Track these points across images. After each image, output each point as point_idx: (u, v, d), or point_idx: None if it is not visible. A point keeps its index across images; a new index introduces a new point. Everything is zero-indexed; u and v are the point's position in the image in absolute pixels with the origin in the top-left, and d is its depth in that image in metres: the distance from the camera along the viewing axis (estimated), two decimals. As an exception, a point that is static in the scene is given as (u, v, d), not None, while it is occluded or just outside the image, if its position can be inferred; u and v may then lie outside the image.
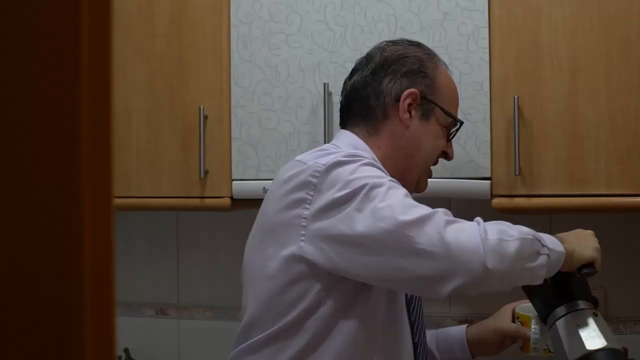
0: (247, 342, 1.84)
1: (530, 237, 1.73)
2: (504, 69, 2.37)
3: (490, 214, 2.44)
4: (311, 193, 1.73)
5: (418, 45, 2.06)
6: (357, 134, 1.96)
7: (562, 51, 2.33)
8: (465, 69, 2.38)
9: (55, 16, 0.50)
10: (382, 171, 1.80)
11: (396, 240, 1.66)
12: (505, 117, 2.36)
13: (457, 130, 2.05)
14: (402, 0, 2.43)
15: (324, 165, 1.75)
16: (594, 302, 2.02)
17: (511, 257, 1.67)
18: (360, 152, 1.83)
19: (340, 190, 1.71)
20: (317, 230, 1.72)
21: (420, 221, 1.66)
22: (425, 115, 1.96)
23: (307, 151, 2.45)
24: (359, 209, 1.68)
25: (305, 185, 1.75)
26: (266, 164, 2.53)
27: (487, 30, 2.38)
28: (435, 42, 2.39)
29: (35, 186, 0.49)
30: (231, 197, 2.57)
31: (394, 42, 2.06)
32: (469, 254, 1.64)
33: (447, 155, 2.05)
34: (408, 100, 1.94)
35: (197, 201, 2.62)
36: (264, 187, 2.50)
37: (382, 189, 1.69)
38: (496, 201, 2.37)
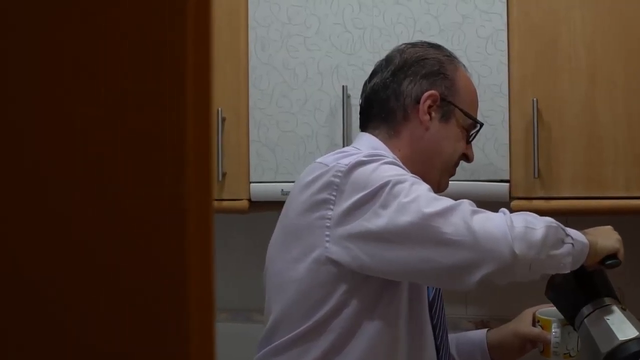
0: (272, 344, 1.84)
1: (555, 225, 1.76)
2: (522, 72, 2.37)
3: (509, 216, 2.45)
4: (334, 194, 1.74)
5: (437, 47, 2.06)
6: (377, 136, 1.97)
7: (580, 53, 2.33)
8: (484, 72, 2.39)
9: (161, 34, 0.51)
10: (403, 169, 1.80)
11: (422, 231, 1.67)
12: (524, 120, 2.36)
13: (477, 132, 2.05)
14: (420, 2, 2.43)
15: (345, 165, 1.75)
16: (617, 298, 2.03)
17: (538, 244, 1.69)
18: (381, 152, 1.83)
19: (363, 189, 1.71)
20: (343, 230, 1.73)
21: (446, 212, 1.67)
22: (445, 117, 1.96)
23: (326, 153, 2.46)
24: (383, 206, 1.69)
25: (327, 186, 1.75)
26: (284, 166, 2.53)
27: (505, 32, 2.38)
28: (454, 45, 2.40)
29: (143, 193, 0.50)
30: (249, 200, 2.58)
31: (413, 45, 2.06)
32: (496, 241, 1.65)
33: (467, 157, 2.05)
34: (428, 102, 1.95)
35: (215, 203, 2.62)
36: (282, 190, 2.50)
37: (405, 185, 1.70)
38: (515, 203, 2.37)
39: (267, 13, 2.56)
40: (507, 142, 2.38)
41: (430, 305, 1.93)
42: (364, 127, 2.03)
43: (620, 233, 2.69)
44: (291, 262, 1.81)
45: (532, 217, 1.75)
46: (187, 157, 0.50)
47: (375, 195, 1.70)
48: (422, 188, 1.72)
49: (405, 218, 1.67)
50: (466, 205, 1.70)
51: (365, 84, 2.07)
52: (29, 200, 0.53)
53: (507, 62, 2.38)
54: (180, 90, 0.50)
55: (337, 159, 1.81)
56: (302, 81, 2.52)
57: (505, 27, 2.38)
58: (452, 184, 2.37)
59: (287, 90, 2.54)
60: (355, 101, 2.46)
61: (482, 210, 1.72)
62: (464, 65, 2.09)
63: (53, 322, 0.53)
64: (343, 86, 2.45)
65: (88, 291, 0.51)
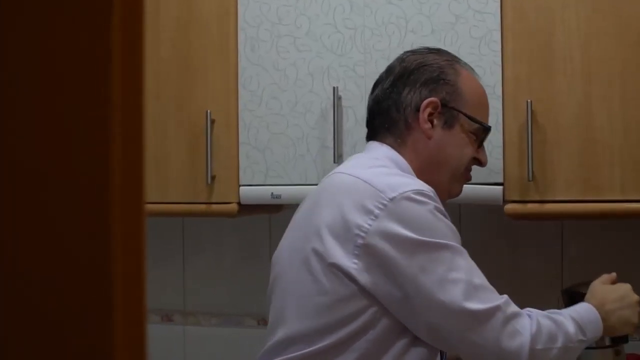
0: (283, 357, 1.79)
1: (573, 344, 1.83)
2: (516, 73, 2.33)
3: (503, 219, 2.41)
4: (377, 212, 1.72)
5: (438, 51, 2.03)
6: (389, 146, 1.94)
7: (576, 54, 2.29)
8: (478, 73, 2.34)
9: (86, 27, 0.47)
10: (445, 216, 1.79)
11: (454, 320, 1.73)
12: (518, 122, 2.32)
13: (486, 135, 2.02)
14: (412, 2, 2.39)
15: (396, 192, 1.74)
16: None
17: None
18: (426, 190, 1.77)
19: (410, 229, 1.71)
20: (375, 251, 1.71)
21: (482, 316, 1.73)
22: (448, 124, 1.93)
23: (316, 156, 2.43)
24: (424, 268, 1.71)
25: (374, 202, 1.73)
26: (274, 169, 2.49)
27: (499, 33, 2.34)
28: (447, 45, 2.36)
29: (68, 191, 0.47)
30: (238, 203, 2.54)
31: (413, 52, 2.03)
32: (513, 358, 1.76)
33: (479, 161, 2.02)
34: (428, 110, 1.92)
35: (204, 207, 2.58)
36: (272, 193, 2.47)
37: (448, 254, 1.74)
38: (509, 207, 2.34)
39: (257, 13, 2.52)
40: (501, 144, 2.34)
41: None
42: (372, 138, 2.00)
43: (615, 237, 2.66)
44: (312, 274, 1.76)
45: (558, 327, 1.83)
46: (112, 158, 0.46)
47: (420, 247, 1.72)
48: (465, 264, 1.78)
49: (441, 297, 1.71)
50: (501, 311, 1.76)
51: (368, 97, 2.05)
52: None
53: (500, 63, 2.34)
54: (105, 93, 0.46)
55: (377, 174, 1.80)
56: (293, 82, 2.48)
57: (499, 28, 2.35)
58: (445, 187, 2.33)
59: (277, 91, 2.50)
60: (347, 102, 2.43)
61: (514, 313, 1.79)
62: (469, 67, 2.06)
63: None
64: (334, 87, 2.41)
65: (7, 296, 0.48)
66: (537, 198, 2.32)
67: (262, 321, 2.95)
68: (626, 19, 2.26)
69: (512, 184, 2.34)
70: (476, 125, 1.97)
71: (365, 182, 1.77)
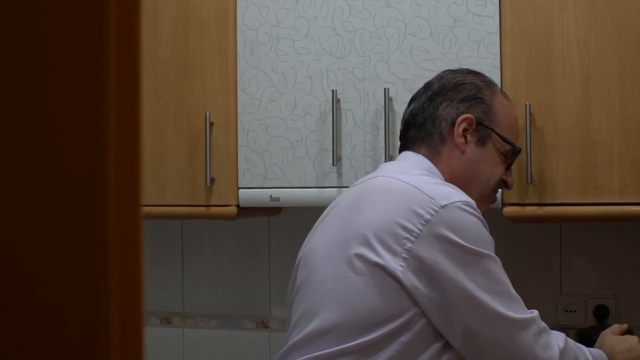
0: (315, 354, 1.78)
1: None
2: (515, 75, 2.33)
3: (502, 222, 2.41)
4: (427, 217, 1.75)
5: (476, 73, 2.08)
6: (423, 155, 1.98)
7: (574, 57, 2.30)
8: (476, 75, 2.34)
9: (82, 24, 0.47)
10: (487, 229, 1.84)
11: (494, 325, 1.77)
12: (516, 124, 2.32)
13: (516, 157, 2.06)
14: (411, 5, 2.40)
15: (448, 200, 1.77)
16: None
17: None
18: (472, 202, 1.81)
19: (460, 237, 1.75)
20: (423, 255, 1.74)
21: (520, 324, 1.78)
22: (481, 141, 1.98)
23: (315, 159, 2.42)
24: (470, 274, 1.76)
25: (425, 208, 1.76)
26: (273, 171, 2.50)
27: (497, 36, 2.35)
28: (445, 48, 2.36)
29: (62, 193, 0.47)
30: (237, 206, 2.54)
31: (452, 71, 2.08)
32: None
33: (506, 183, 2.06)
34: (463, 125, 1.96)
35: (202, 209, 2.58)
36: (270, 195, 2.47)
37: (491, 264, 1.80)
38: (507, 209, 2.34)
39: (255, 15, 2.52)
40: (500, 147, 2.33)
41: None
42: (405, 148, 2.03)
43: (614, 239, 2.66)
44: (355, 273, 1.77)
45: (579, 351, 1.92)
46: (108, 161, 0.46)
47: (470, 257, 1.77)
48: (503, 278, 1.83)
49: (486, 303, 1.76)
50: (536, 324, 1.82)
51: (405, 111, 2.08)
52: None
53: (499, 66, 2.34)
54: (102, 92, 0.46)
55: (426, 182, 1.83)
56: (292, 85, 2.48)
57: (497, 30, 2.35)
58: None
59: (276, 94, 2.50)
60: (345, 105, 2.43)
61: (544, 330, 1.84)
62: (504, 93, 2.12)
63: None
64: (333, 90, 2.41)
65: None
66: (536, 201, 2.32)
67: (261, 323, 2.95)
68: (624, 22, 2.26)
69: (510, 187, 2.33)
70: (508, 147, 2.01)
71: (415, 187, 1.81)
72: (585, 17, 2.29)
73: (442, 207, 1.76)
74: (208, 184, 2.53)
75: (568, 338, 1.90)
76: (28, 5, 0.48)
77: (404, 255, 1.74)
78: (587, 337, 2.44)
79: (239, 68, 2.54)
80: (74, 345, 0.46)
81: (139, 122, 0.47)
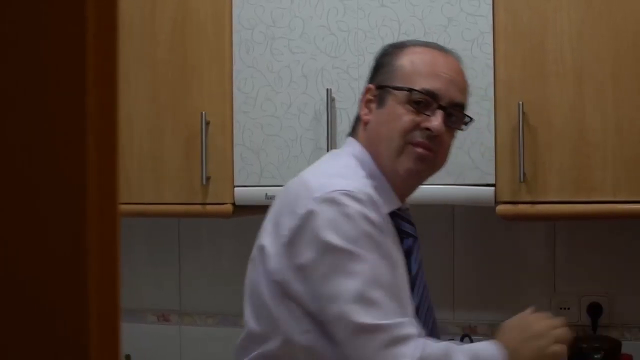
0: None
1: None
2: (508, 75, 2.35)
3: (495, 220, 2.43)
4: (299, 212, 1.72)
5: (397, 45, 1.96)
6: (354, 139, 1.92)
7: (567, 56, 2.31)
8: (470, 75, 2.33)
9: (61, 24, 0.49)
10: (369, 221, 1.71)
11: (336, 326, 1.67)
12: (510, 123, 2.34)
13: (420, 96, 1.84)
14: (405, 5, 2.41)
15: (320, 192, 1.72)
16: None
17: None
18: (354, 192, 1.71)
19: (321, 230, 1.68)
20: (294, 249, 1.73)
21: (360, 329, 1.63)
22: (381, 103, 1.87)
23: (310, 157, 2.44)
24: (317, 268, 1.68)
25: (303, 202, 1.73)
26: (269, 170, 2.51)
27: (491, 35, 2.36)
28: (439, 48, 2.38)
29: (42, 191, 0.48)
30: (233, 204, 2.56)
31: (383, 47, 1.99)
32: None
33: (427, 128, 1.83)
34: (367, 97, 1.89)
35: (199, 207, 2.60)
36: (266, 194, 2.48)
37: (347, 259, 1.66)
38: (500, 208, 2.35)
39: (251, 15, 2.54)
40: (493, 145, 2.35)
41: (412, 283, 1.84)
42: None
43: (607, 238, 2.68)
44: (258, 275, 1.83)
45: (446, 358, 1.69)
46: (88, 156, 0.48)
47: (332, 252, 1.68)
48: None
49: (330, 300, 1.67)
50: (388, 334, 1.64)
51: None
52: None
53: (492, 65, 2.36)
54: (80, 93, 0.48)
55: (317, 179, 1.79)
56: (287, 84, 2.50)
57: (491, 30, 2.36)
58: (437, 189, 2.36)
59: (271, 93, 2.52)
60: (340, 104, 2.45)
61: (403, 338, 1.65)
62: (425, 44, 1.96)
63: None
64: (327, 89, 2.43)
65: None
66: (529, 199, 2.34)
67: (258, 321, 2.96)
68: (618, 21, 2.28)
69: (504, 185, 2.35)
70: (406, 93, 1.84)
71: (304, 182, 1.79)
72: (579, 16, 2.31)
73: (314, 199, 1.70)
74: (204, 183, 2.55)
75: (439, 346, 1.70)
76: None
77: (282, 251, 1.73)
78: (576, 347, 2.47)
79: (234, 67, 2.56)
80: (56, 337, 0.48)
81: (116, 124, 0.49)
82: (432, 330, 1.90)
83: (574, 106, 2.31)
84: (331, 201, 1.69)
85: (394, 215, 1.83)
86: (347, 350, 1.66)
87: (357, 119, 1.93)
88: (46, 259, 0.49)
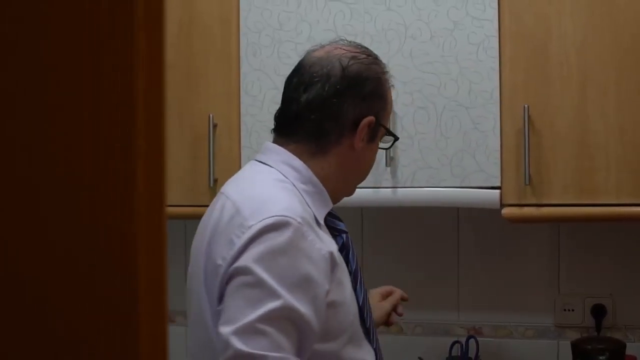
0: None
1: None
2: (513, 78, 2.37)
3: (500, 223, 2.45)
4: (235, 240, 1.69)
5: (377, 60, 1.92)
6: (295, 152, 1.84)
7: (572, 60, 2.33)
8: (475, 78, 2.38)
9: (112, 35, 0.51)
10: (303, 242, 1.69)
11: (219, 342, 1.63)
12: (515, 126, 2.36)
13: (393, 143, 1.98)
14: (411, 9, 2.43)
15: (255, 219, 1.68)
16: None
17: None
18: (285, 218, 1.68)
19: (251, 261, 1.65)
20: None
21: (238, 354, 1.59)
22: (372, 138, 1.87)
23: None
24: (234, 293, 1.66)
25: (235, 232, 1.70)
26: (275, 172, 2.53)
27: (497, 39, 2.38)
28: (445, 51, 2.40)
29: (95, 197, 0.50)
30: (240, 206, 2.57)
31: (354, 57, 1.87)
32: None
33: None
34: (365, 129, 1.83)
35: (206, 210, 2.61)
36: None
37: (258, 293, 1.63)
38: (506, 210, 2.37)
39: (258, 19, 2.56)
40: (498, 148, 2.37)
41: (355, 278, 1.84)
42: (282, 137, 1.89)
43: (611, 240, 2.70)
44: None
45: None
46: (137, 163, 0.50)
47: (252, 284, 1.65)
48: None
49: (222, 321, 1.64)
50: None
51: (294, 88, 1.89)
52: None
53: (498, 69, 2.38)
54: (130, 100, 0.50)
55: (253, 209, 1.72)
56: (294, 87, 2.51)
57: (496, 34, 2.38)
58: (443, 191, 2.38)
59: (278, 96, 2.51)
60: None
61: None
62: (387, 72, 1.95)
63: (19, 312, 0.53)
64: (334, 92, 2.44)
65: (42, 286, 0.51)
66: (534, 202, 2.36)
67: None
68: (621, 26, 2.30)
69: (509, 188, 2.37)
70: (390, 138, 1.95)
71: (237, 209, 1.75)
72: (582, 21, 2.33)
73: (249, 227, 1.67)
74: (211, 185, 2.57)
75: None
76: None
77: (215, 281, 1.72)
78: (581, 348, 2.50)
79: (241, 70, 2.57)
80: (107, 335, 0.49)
81: (163, 130, 0.51)
82: (371, 325, 1.89)
83: (577, 109, 2.33)
84: (266, 229, 1.66)
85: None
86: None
87: (324, 132, 1.84)
88: (97, 259, 0.50)
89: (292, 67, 2.52)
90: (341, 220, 1.89)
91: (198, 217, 2.79)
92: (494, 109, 2.37)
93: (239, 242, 1.67)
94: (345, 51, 1.87)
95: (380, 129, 1.88)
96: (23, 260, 0.55)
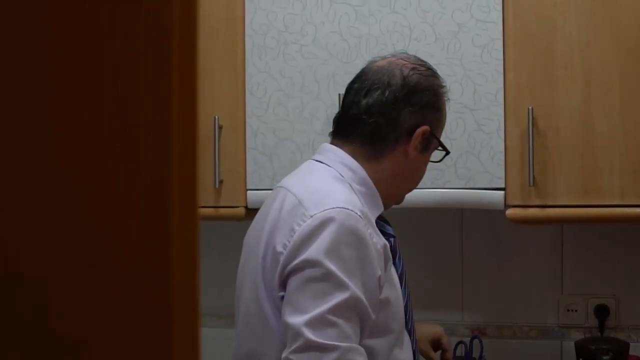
0: None
1: None
2: (518, 80, 2.38)
3: (504, 224, 2.46)
4: (295, 228, 1.77)
5: (435, 74, 1.99)
6: (352, 154, 1.91)
7: (576, 62, 2.35)
8: (480, 80, 2.40)
9: (149, 39, 0.52)
10: (362, 239, 1.77)
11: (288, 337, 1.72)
12: (519, 128, 2.37)
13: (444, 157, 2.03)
14: (416, 11, 2.45)
15: (318, 209, 1.76)
16: None
17: None
18: (349, 210, 1.77)
19: (315, 251, 1.74)
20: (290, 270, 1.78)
21: (310, 344, 1.68)
22: (425, 149, 1.94)
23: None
24: (299, 285, 1.74)
25: (297, 220, 1.79)
26: (281, 174, 2.53)
27: (501, 41, 2.40)
28: (450, 53, 2.41)
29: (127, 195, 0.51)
30: (245, 207, 2.59)
31: (414, 68, 1.95)
32: None
33: None
34: (419, 138, 1.91)
35: (211, 211, 2.63)
36: (278, 197, 2.51)
37: (327, 286, 1.72)
38: (510, 211, 2.38)
39: (263, 21, 2.57)
40: (503, 150, 2.39)
41: (401, 280, 1.94)
42: (339, 139, 1.96)
43: (615, 241, 2.71)
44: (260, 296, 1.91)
45: None
46: (171, 166, 0.51)
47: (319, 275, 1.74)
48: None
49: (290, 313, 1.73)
50: (336, 354, 1.70)
51: (354, 93, 1.95)
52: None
53: (502, 71, 2.39)
54: (165, 102, 0.51)
55: (317, 201, 1.80)
56: (299, 89, 2.53)
57: (501, 36, 2.40)
58: (448, 193, 2.39)
59: (283, 98, 2.55)
60: (352, 109, 2.47)
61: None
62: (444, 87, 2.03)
63: (38, 319, 0.54)
64: (339, 94, 2.45)
65: (71, 292, 0.53)
66: (538, 203, 2.37)
67: (268, 323, 2.99)
68: (624, 27, 2.31)
69: (513, 189, 2.38)
70: (443, 153, 2.01)
71: (297, 197, 1.83)
72: (586, 22, 2.34)
73: (312, 217, 1.76)
74: (217, 186, 2.58)
75: None
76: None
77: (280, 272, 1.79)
78: (585, 348, 2.51)
79: (247, 72, 2.58)
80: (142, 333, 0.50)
81: (196, 132, 0.52)
82: (412, 327, 2.01)
83: (582, 111, 2.34)
84: (329, 220, 1.74)
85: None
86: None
87: (380, 136, 1.91)
88: (130, 265, 0.51)
89: (297, 69, 2.54)
90: (390, 225, 1.97)
91: (204, 218, 2.79)
92: (499, 110, 2.39)
93: (300, 230, 1.75)
94: (406, 62, 1.97)
95: (434, 141, 1.96)
96: (26, 263, 0.56)
